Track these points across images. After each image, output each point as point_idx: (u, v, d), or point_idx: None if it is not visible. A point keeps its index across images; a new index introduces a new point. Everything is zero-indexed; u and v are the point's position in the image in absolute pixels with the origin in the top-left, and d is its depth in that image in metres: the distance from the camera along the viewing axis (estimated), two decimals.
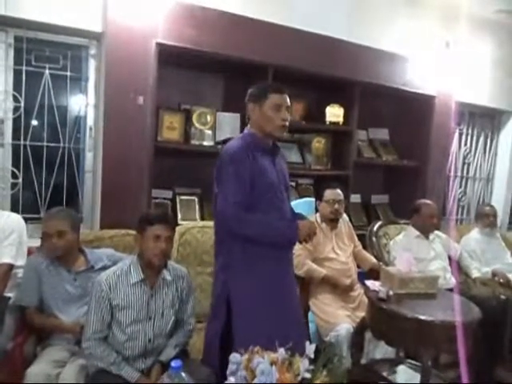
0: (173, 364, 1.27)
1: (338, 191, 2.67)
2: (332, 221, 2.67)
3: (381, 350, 2.48)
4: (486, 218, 3.39)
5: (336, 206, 2.65)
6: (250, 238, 1.78)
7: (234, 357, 1.34)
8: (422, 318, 1.94)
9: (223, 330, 1.84)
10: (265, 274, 1.83)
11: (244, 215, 1.75)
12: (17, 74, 2.56)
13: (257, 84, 1.94)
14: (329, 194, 2.66)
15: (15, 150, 2.60)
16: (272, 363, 1.31)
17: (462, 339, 1.88)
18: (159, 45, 2.58)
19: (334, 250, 2.67)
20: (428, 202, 3.12)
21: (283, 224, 1.85)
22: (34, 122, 2.67)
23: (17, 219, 2.24)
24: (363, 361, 2.40)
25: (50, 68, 2.65)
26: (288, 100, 1.87)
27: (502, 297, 2.93)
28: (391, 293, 2.15)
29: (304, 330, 2.06)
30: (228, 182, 1.76)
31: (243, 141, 1.85)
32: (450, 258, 3.17)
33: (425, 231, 3.06)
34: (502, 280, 3.08)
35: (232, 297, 1.82)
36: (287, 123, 1.86)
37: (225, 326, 1.84)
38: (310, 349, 1.38)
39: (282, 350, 1.35)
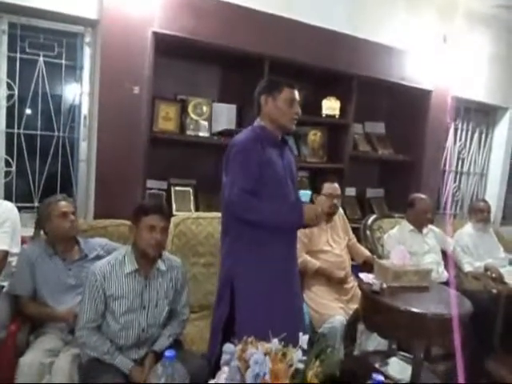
0: (166, 354, 1.27)
1: (336, 185, 2.67)
2: (329, 214, 2.67)
3: (373, 342, 2.51)
4: (479, 213, 3.41)
5: (335, 200, 2.65)
6: (257, 223, 1.80)
7: (228, 347, 1.34)
8: (415, 310, 1.96)
9: (227, 316, 1.86)
10: (268, 262, 1.86)
11: (251, 201, 1.77)
12: (11, 62, 2.53)
13: (268, 78, 1.96)
14: (327, 187, 2.65)
15: (9, 138, 2.57)
16: (266, 354, 1.31)
17: (453, 332, 1.90)
18: (155, 34, 2.55)
19: (329, 243, 2.68)
20: (423, 196, 3.13)
21: (288, 207, 1.87)
22: (28, 111, 2.64)
23: (10, 207, 2.22)
24: (356, 352, 2.42)
25: (44, 55, 2.62)
26: (298, 96, 1.92)
27: (494, 291, 2.96)
28: (385, 286, 2.16)
29: (302, 319, 2.08)
30: (236, 170, 1.78)
31: (253, 132, 1.89)
32: (443, 252, 3.19)
33: (418, 225, 3.08)
34: (494, 275, 3.10)
35: (236, 283, 1.85)
36: (297, 117, 1.92)
37: (229, 312, 1.86)
38: (304, 340, 1.38)
39: (275, 341, 1.36)
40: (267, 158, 1.84)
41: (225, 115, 3.02)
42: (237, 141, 1.86)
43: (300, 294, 2.12)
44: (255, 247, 1.85)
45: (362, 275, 2.33)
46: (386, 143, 3.79)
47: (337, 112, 3.30)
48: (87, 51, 2.68)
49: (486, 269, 3.18)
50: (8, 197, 2.56)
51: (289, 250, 1.98)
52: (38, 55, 2.60)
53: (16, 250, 2.14)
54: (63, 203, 2.07)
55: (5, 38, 2.50)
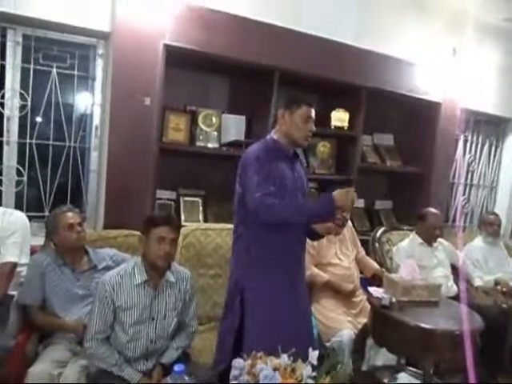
0: (176, 368, 1.27)
1: None
2: (338, 226, 2.65)
3: (382, 357, 2.48)
4: (489, 226, 3.38)
5: (344, 213, 2.63)
6: (288, 221, 1.82)
7: (237, 362, 1.34)
8: (425, 326, 1.94)
9: (237, 326, 1.86)
10: (278, 273, 1.87)
11: (276, 202, 1.78)
12: (24, 73, 2.57)
13: (290, 92, 1.99)
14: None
15: (21, 147, 2.60)
16: (275, 369, 1.31)
17: (464, 348, 1.87)
18: (167, 46, 2.58)
19: (337, 256, 2.67)
20: (434, 211, 3.08)
21: (318, 199, 1.86)
22: (41, 121, 2.67)
23: (20, 217, 2.24)
24: (364, 367, 2.40)
25: (57, 67, 2.65)
26: (314, 114, 1.95)
27: (504, 306, 2.92)
28: (394, 300, 2.14)
29: (311, 332, 2.08)
30: (254, 177, 1.80)
31: (265, 144, 1.92)
32: (452, 266, 3.16)
33: (428, 239, 3.05)
34: (504, 289, 3.06)
35: (246, 295, 1.86)
36: (311, 134, 1.95)
37: (238, 323, 1.86)
38: (314, 355, 1.37)
39: (284, 356, 1.35)
40: (277, 170, 1.86)
41: (234, 126, 3.03)
42: (251, 151, 1.89)
43: (308, 306, 2.11)
44: (266, 258, 1.85)
45: (372, 289, 2.32)
46: (394, 155, 3.78)
47: (346, 124, 3.30)
48: (99, 63, 2.72)
49: (497, 283, 3.15)
50: (19, 206, 2.59)
51: (298, 261, 1.99)
52: (52, 66, 2.64)
53: (25, 260, 2.15)
54: (70, 214, 2.07)
55: (19, 50, 2.54)
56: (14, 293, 2.08)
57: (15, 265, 2.10)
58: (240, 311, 1.86)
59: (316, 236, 2.02)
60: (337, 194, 1.79)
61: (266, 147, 1.90)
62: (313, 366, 1.35)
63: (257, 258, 1.87)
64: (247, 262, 1.89)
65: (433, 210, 3.11)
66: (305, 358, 1.36)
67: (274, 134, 1.96)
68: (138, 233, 1.99)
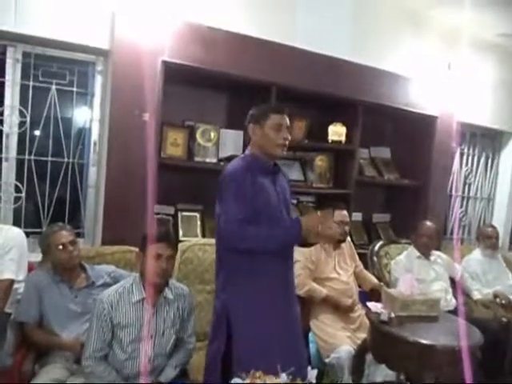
0: None
1: (345, 212, 2.68)
2: (339, 241, 2.66)
3: (381, 373, 2.46)
4: (487, 239, 3.39)
5: (346, 227, 2.65)
6: (256, 250, 1.78)
7: (236, 381, 1.33)
8: (424, 342, 1.94)
9: (224, 349, 1.82)
10: (265, 294, 1.83)
11: (246, 229, 1.75)
12: (24, 89, 2.58)
13: (257, 106, 1.97)
14: (337, 215, 2.64)
15: (19, 164, 2.61)
16: None
17: (464, 364, 1.87)
18: (165, 63, 2.60)
19: (336, 270, 2.67)
20: (427, 223, 3.12)
21: (286, 224, 1.84)
22: (39, 137, 2.68)
23: (17, 233, 2.23)
24: (363, 383, 2.38)
25: (56, 83, 2.67)
26: (288, 120, 1.90)
27: (504, 319, 2.91)
28: (393, 315, 2.14)
29: (304, 351, 2.03)
30: (229, 201, 1.77)
31: (244, 161, 1.88)
32: (451, 279, 3.16)
33: (424, 252, 3.05)
34: (503, 302, 3.06)
35: (232, 317, 1.81)
36: (287, 142, 1.88)
37: (226, 346, 1.82)
38: (312, 374, 1.37)
39: (283, 375, 1.35)
40: (259, 186, 1.82)
41: (232, 141, 3.05)
42: (228, 170, 1.84)
43: (299, 318, 2.03)
44: (252, 278, 1.81)
45: (370, 304, 2.31)
46: (391, 168, 3.80)
47: (343, 138, 3.32)
48: (98, 79, 2.74)
49: (495, 296, 3.14)
50: (17, 222, 2.58)
51: (286, 276, 1.94)
52: (51, 83, 2.66)
53: (22, 276, 2.14)
54: (61, 233, 2.05)
55: (18, 67, 2.56)
56: (11, 311, 2.06)
57: (12, 281, 2.09)
58: (226, 335, 1.81)
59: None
60: (305, 218, 1.79)
61: (245, 165, 1.85)
62: None
63: (243, 279, 1.82)
64: (233, 283, 1.83)
65: (425, 221, 3.13)
66: (299, 374, 1.34)
67: (250, 150, 1.93)
68: (136, 249, 1.99)
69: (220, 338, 1.84)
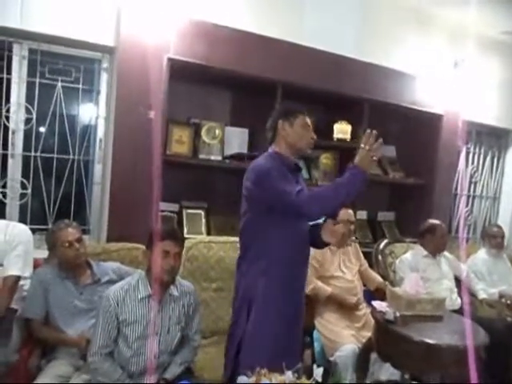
0: None
1: (351, 211, 2.67)
2: (343, 240, 2.65)
3: (386, 372, 2.46)
4: (493, 239, 3.37)
5: (352, 226, 2.64)
6: (335, 206, 1.88)
7: (241, 379, 1.33)
8: (429, 341, 1.93)
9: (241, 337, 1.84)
10: (283, 283, 1.85)
11: (314, 192, 1.84)
12: (30, 86, 2.59)
13: (282, 104, 2.00)
14: (343, 213, 2.62)
15: (25, 160, 2.62)
16: None
17: (469, 363, 1.86)
18: (171, 60, 2.60)
19: (341, 269, 2.66)
20: (439, 222, 3.09)
21: (345, 174, 1.84)
22: (45, 134, 2.69)
23: (23, 229, 2.23)
24: (368, 382, 2.38)
25: (62, 80, 2.68)
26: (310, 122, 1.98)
27: (509, 319, 2.90)
28: (398, 314, 2.13)
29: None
30: (278, 184, 1.79)
31: (270, 158, 1.90)
32: (456, 279, 3.14)
33: (434, 252, 3.04)
34: (509, 302, 3.04)
35: (252, 305, 1.83)
36: (313, 141, 1.97)
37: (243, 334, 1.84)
38: (318, 372, 1.37)
39: (289, 373, 1.35)
40: (289, 179, 1.86)
41: (237, 139, 3.05)
42: (259, 166, 1.86)
43: (304, 311, 2.06)
44: (274, 268, 1.83)
45: (376, 303, 2.31)
46: (397, 167, 3.79)
47: (348, 136, 3.32)
48: (104, 76, 2.74)
49: (501, 296, 3.12)
50: (23, 218, 2.59)
51: (303, 269, 1.98)
52: (57, 80, 2.67)
53: (28, 273, 2.15)
54: (67, 231, 2.04)
55: (25, 64, 2.57)
56: (17, 307, 2.07)
57: (18, 278, 2.09)
58: (246, 321, 1.83)
59: (321, 244, 2.00)
60: (358, 160, 1.83)
61: (272, 160, 1.88)
62: (317, 382, 1.35)
63: (263, 270, 1.83)
64: (253, 274, 1.85)
65: (437, 221, 3.11)
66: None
67: (275, 147, 1.95)
68: (142, 246, 1.99)
69: (240, 324, 1.85)
